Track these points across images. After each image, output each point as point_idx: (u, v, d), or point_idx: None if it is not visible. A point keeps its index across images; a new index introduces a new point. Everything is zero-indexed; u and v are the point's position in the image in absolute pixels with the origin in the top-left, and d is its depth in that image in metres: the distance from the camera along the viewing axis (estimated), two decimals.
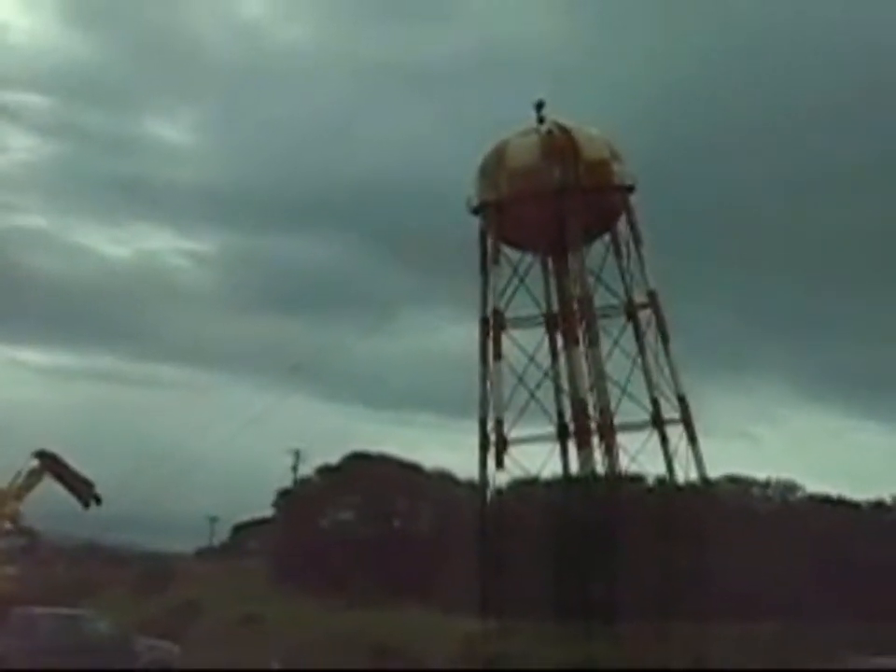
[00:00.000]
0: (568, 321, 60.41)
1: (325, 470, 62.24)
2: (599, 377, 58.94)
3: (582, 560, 42.42)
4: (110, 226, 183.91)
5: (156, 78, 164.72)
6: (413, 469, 60.26)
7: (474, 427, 59.31)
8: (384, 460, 59.94)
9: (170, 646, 39.24)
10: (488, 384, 59.65)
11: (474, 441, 59.26)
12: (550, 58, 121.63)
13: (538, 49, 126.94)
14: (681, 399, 60.06)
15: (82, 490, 59.55)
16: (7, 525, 54.85)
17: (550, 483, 55.52)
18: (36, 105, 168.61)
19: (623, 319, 60.66)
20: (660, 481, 56.64)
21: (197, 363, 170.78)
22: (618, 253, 61.49)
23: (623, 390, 59.01)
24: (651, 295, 60.94)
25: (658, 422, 59.50)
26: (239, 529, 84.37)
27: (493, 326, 59.86)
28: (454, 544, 49.37)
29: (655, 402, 59.97)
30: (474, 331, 60.39)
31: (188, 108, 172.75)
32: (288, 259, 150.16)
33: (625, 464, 57.63)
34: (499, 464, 57.60)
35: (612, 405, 58.90)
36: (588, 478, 56.59)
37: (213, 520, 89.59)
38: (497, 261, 60.82)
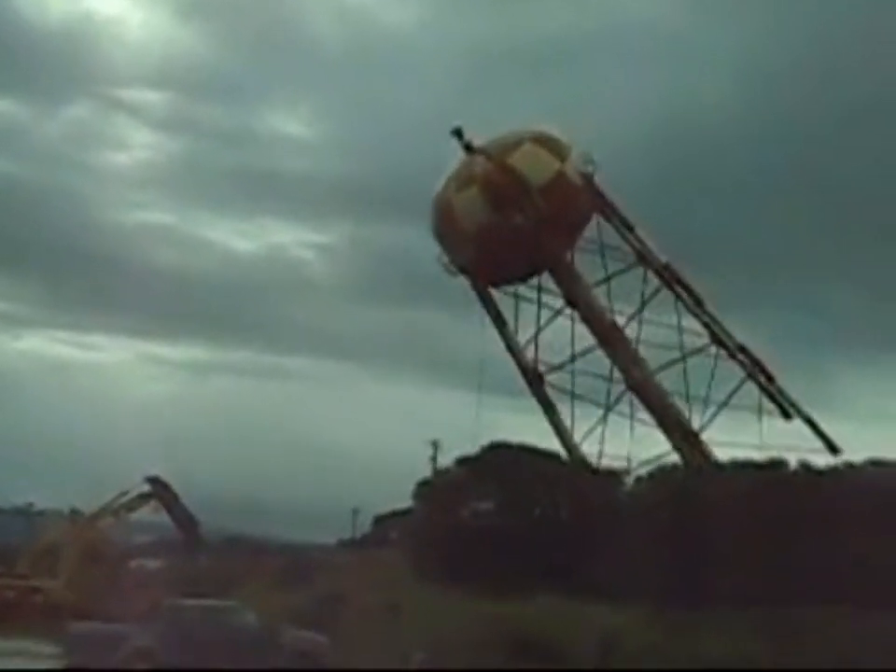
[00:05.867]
0: (597, 320, 60.30)
1: (464, 461, 62.26)
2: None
3: (722, 548, 41.66)
4: (235, 220, 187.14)
5: (270, 70, 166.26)
6: (552, 457, 59.99)
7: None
8: (523, 450, 59.68)
9: (315, 636, 39.63)
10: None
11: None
12: (662, 42, 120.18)
13: (650, 32, 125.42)
14: (743, 349, 59.56)
15: (187, 527, 60.08)
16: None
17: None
18: (155, 101, 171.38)
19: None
20: (805, 466, 55.45)
21: (326, 355, 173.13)
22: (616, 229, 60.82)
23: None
24: (667, 268, 59.95)
25: (720, 343, 59.27)
26: (379, 520, 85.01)
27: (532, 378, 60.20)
28: (593, 533, 48.99)
29: (707, 326, 60.01)
30: None
31: (304, 100, 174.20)
32: (413, 248, 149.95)
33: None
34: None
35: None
36: (714, 464, 55.99)
37: (355, 511, 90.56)
38: (497, 314, 60.82)
